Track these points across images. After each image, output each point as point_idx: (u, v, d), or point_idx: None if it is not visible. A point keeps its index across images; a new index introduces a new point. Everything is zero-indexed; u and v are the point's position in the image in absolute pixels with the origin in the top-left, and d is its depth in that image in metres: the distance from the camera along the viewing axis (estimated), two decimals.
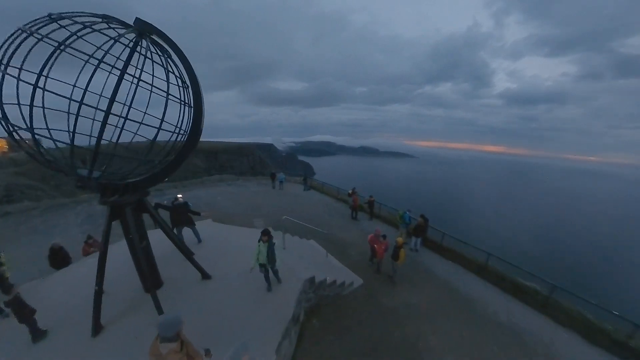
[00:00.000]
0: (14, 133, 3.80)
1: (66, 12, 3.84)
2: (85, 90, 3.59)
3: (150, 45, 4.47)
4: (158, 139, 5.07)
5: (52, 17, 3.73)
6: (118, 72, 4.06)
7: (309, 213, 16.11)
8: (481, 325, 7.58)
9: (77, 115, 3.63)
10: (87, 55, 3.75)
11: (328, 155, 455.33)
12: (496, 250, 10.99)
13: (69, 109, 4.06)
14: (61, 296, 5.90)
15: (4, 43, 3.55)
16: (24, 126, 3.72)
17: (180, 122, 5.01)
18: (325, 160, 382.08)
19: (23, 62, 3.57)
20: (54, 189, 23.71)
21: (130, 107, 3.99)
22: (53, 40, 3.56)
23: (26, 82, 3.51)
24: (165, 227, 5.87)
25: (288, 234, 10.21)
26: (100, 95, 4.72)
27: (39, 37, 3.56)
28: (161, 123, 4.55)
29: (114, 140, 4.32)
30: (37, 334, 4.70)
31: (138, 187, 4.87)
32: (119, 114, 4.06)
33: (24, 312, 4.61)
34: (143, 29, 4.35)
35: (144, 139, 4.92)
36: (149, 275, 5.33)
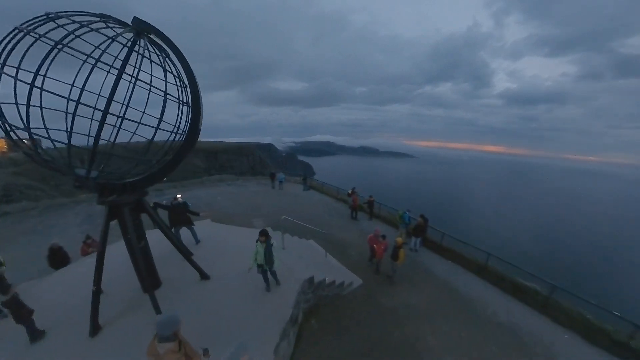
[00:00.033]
0: (12, 132, 3.79)
1: (63, 11, 3.82)
2: (82, 89, 3.57)
3: (148, 45, 4.46)
4: (157, 138, 5.07)
5: (49, 16, 3.71)
6: (116, 72, 4.04)
7: (308, 213, 16.09)
8: (481, 326, 7.56)
9: (74, 114, 3.61)
10: (85, 54, 3.75)
11: (328, 155, 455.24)
12: (496, 250, 10.97)
13: (66, 109, 4.04)
14: (59, 296, 5.88)
15: (0, 42, 3.54)
16: (22, 126, 3.71)
17: (178, 121, 5.00)
18: (325, 160, 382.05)
19: (20, 61, 3.56)
20: (53, 189, 23.70)
21: (127, 106, 3.97)
22: (50, 39, 3.55)
23: (23, 82, 3.50)
24: (163, 227, 5.86)
25: (287, 234, 10.19)
26: (99, 95, 4.71)
27: (36, 36, 3.54)
28: (159, 123, 4.54)
29: (109, 139, 4.31)
30: (35, 334, 4.68)
31: (136, 187, 4.86)
32: (117, 114, 4.05)
33: (21, 313, 4.59)
34: (141, 28, 4.33)
35: (143, 139, 4.92)
36: (147, 276, 5.31)
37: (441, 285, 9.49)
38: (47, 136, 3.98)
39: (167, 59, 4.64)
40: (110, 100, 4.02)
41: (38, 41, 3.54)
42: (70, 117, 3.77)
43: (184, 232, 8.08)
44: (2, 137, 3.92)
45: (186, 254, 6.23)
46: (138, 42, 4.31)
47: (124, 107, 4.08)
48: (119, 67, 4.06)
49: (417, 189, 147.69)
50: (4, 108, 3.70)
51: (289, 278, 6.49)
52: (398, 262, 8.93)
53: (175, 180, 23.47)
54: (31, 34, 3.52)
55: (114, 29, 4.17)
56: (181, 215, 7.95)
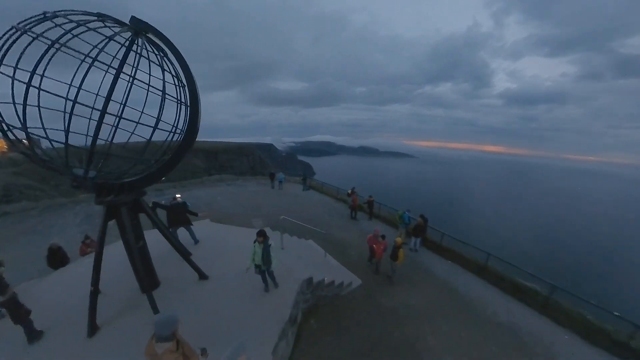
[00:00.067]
0: (9, 132, 3.77)
1: (61, 10, 3.80)
2: (79, 88, 3.56)
3: (146, 44, 4.44)
4: (156, 138, 5.05)
5: (46, 15, 3.70)
6: (114, 72, 4.03)
7: (308, 213, 16.08)
8: (481, 326, 7.55)
9: (71, 114, 3.60)
10: (83, 54, 3.73)
11: (328, 155, 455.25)
12: (496, 250, 10.95)
13: (64, 108, 4.02)
14: (58, 296, 5.87)
15: None
16: (19, 125, 3.70)
17: (176, 121, 4.98)
18: (325, 160, 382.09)
19: (18, 60, 3.54)
20: (53, 189, 23.69)
21: (124, 105, 3.95)
22: (47, 38, 3.53)
23: (20, 81, 3.49)
24: (161, 227, 5.84)
25: (287, 234, 10.17)
26: (97, 95, 4.70)
27: (34, 35, 3.53)
28: (157, 122, 4.52)
29: (109, 139, 4.30)
30: (33, 335, 4.66)
31: (134, 186, 4.84)
32: (115, 114, 4.04)
33: (19, 313, 4.57)
34: (139, 28, 4.31)
35: (143, 139, 4.90)
36: (145, 276, 5.29)
37: (441, 285, 9.48)
38: (45, 136, 3.97)
39: (165, 58, 4.62)
40: (108, 99, 4.00)
41: (37, 41, 3.53)
42: (67, 116, 3.76)
43: (183, 232, 8.06)
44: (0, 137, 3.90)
45: (185, 254, 6.21)
46: (136, 42, 4.29)
47: (122, 106, 4.06)
48: (117, 67, 4.05)
49: (417, 189, 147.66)
50: (2, 108, 3.69)
51: (287, 278, 6.47)
52: (397, 262, 8.91)
53: (175, 180, 23.45)
54: (28, 33, 3.50)
55: (111, 28, 4.16)
56: (180, 215, 7.93)
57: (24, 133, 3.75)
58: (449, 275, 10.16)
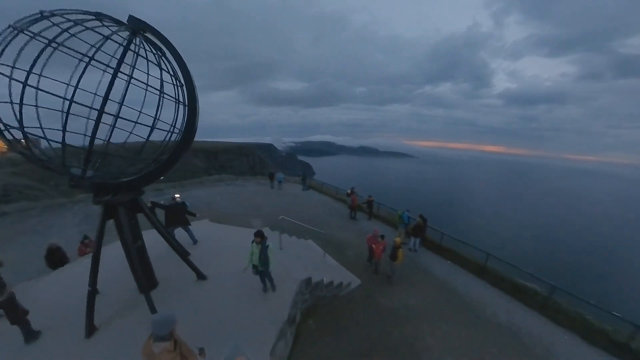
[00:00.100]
0: (6, 132, 3.75)
1: (58, 10, 3.79)
2: (76, 88, 3.55)
3: (144, 43, 4.43)
4: (155, 138, 5.04)
5: (43, 14, 3.68)
6: (112, 71, 4.01)
7: (307, 213, 16.07)
8: (480, 326, 7.53)
9: (68, 113, 3.59)
10: (81, 53, 3.72)
11: (328, 155, 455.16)
12: (496, 251, 10.95)
13: (62, 108, 4.01)
14: (56, 296, 5.85)
15: None
16: (17, 125, 3.68)
17: (175, 120, 4.97)
18: (325, 160, 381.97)
19: (15, 60, 3.52)
20: (52, 189, 23.66)
21: (121, 104, 3.93)
22: (44, 37, 3.52)
23: (17, 80, 3.47)
24: (159, 228, 5.82)
25: (285, 234, 10.15)
26: (95, 94, 4.69)
27: (31, 34, 3.51)
28: (155, 122, 4.51)
29: (110, 139, 4.28)
30: (30, 335, 4.64)
31: (132, 186, 4.82)
32: (113, 113, 4.02)
33: (17, 313, 4.55)
34: (137, 27, 4.30)
35: (142, 139, 4.89)
36: (143, 276, 5.27)
37: (440, 285, 9.47)
38: (42, 135, 3.95)
39: (163, 58, 4.61)
40: (105, 99, 3.99)
41: (36, 40, 3.51)
42: (64, 116, 3.75)
43: (182, 233, 8.04)
44: None
45: (183, 254, 6.19)
46: (134, 41, 4.27)
47: (119, 106, 4.04)
48: (114, 67, 4.03)
49: (416, 189, 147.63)
50: (0, 107, 3.67)
51: (286, 278, 6.45)
52: (397, 262, 8.90)
53: (174, 180, 23.43)
54: (25, 32, 3.48)
55: (109, 27, 4.14)
56: (179, 215, 7.91)
57: (21, 133, 3.74)
58: (449, 276, 10.15)
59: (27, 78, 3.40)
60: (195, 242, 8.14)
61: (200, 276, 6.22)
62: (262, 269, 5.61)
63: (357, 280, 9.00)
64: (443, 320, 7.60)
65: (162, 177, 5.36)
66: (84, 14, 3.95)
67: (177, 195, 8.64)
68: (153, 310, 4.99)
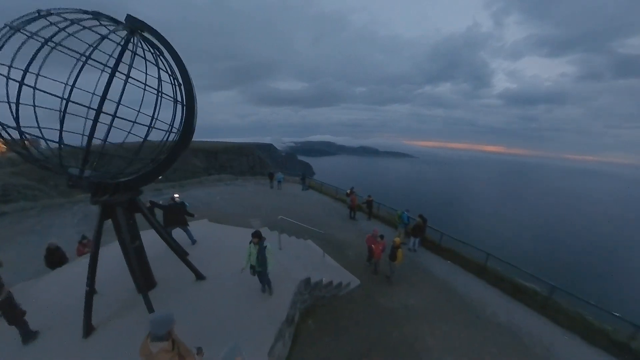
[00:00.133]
0: (3, 131, 3.73)
1: (55, 9, 3.77)
2: (72, 87, 3.53)
3: (142, 43, 4.41)
4: (153, 138, 5.02)
5: (40, 13, 3.66)
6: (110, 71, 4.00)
7: (307, 213, 16.05)
8: (480, 326, 7.52)
9: (64, 112, 3.57)
10: (78, 53, 3.70)
11: (328, 155, 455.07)
12: (496, 251, 10.94)
13: (60, 108, 3.99)
14: (54, 296, 5.83)
15: None
16: (14, 125, 3.66)
17: (173, 120, 4.95)
18: (325, 160, 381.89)
19: (12, 59, 3.51)
20: (51, 189, 23.63)
21: (118, 104, 3.91)
22: (40, 37, 3.50)
23: (13, 80, 3.45)
24: (158, 228, 5.80)
25: (285, 234, 10.14)
26: (93, 94, 4.67)
27: (28, 34, 3.49)
28: (153, 121, 4.50)
29: (108, 139, 4.26)
30: (28, 336, 4.62)
31: (130, 186, 4.80)
32: (111, 113, 4.00)
33: (14, 313, 4.52)
34: (134, 26, 4.28)
35: (140, 138, 4.87)
36: (141, 276, 5.25)
37: (440, 285, 9.45)
38: (40, 135, 3.93)
39: (160, 57, 4.59)
40: (103, 99, 3.97)
41: (34, 40, 3.49)
42: (65, 116, 3.73)
43: (180, 233, 8.02)
44: None
45: (181, 254, 6.17)
46: (132, 41, 4.26)
47: (117, 105, 4.02)
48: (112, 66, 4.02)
49: (416, 189, 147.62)
50: None
51: (285, 278, 6.44)
52: (396, 263, 8.88)
53: (174, 180, 23.41)
54: (21, 31, 3.46)
55: (107, 26, 4.12)
56: (178, 215, 7.90)
57: (17, 132, 3.72)
58: (448, 276, 10.13)
59: (23, 77, 3.38)
60: (194, 242, 8.12)
61: (199, 276, 6.20)
62: (259, 270, 5.57)
63: (356, 281, 8.98)
64: (443, 320, 7.59)
65: (160, 177, 5.34)
66: (81, 13, 3.93)
67: (176, 195, 8.63)
68: (151, 310, 4.97)
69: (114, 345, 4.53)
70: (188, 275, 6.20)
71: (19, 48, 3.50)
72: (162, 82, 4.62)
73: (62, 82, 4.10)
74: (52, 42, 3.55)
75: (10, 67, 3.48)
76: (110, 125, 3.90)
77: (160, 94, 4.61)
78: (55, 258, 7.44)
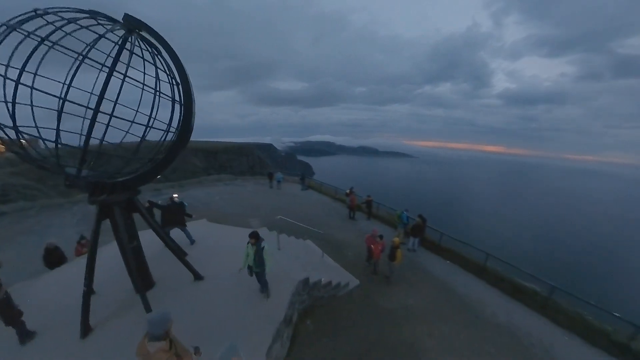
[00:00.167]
0: (0, 131, 3.71)
1: (52, 7, 3.75)
2: (69, 86, 3.51)
3: (140, 42, 4.39)
4: (151, 137, 5.00)
5: (37, 12, 3.64)
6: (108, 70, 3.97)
7: (306, 213, 16.03)
8: (479, 327, 7.50)
9: (61, 112, 3.55)
10: (76, 52, 3.68)
11: (328, 155, 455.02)
12: (495, 251, 10.92)
13: (57, 107, 3.98)
14: (52, 296, 5.82)
15: None
16: (10, 124, 3.64)
17: (171, 119, 4.94)
18: (324, 160, 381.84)
19: (10, 59, 3.49)
20: (50, 189, 23.60)
21: (116, 103, 3.89)
22: (37, 36, 3.48)
23: (10, 79, 3.43)
24: (156, 228, 5.78)
25: (284, 234, 10.12)
26: (91, 93, 4.66)
27: (25, 33, 3.47)
28: (150, 121, 4.48)
29: (106, 139, 4.25)
30: (25, 336, 4.60)
31: (127, 186, 4.78)
32: (109, 112, 3.98)
33: (12, 314, 4.50)
34: (132, 25, 4.26)
35: (138, 138, 4.85)
36: (139, 276, 5.23)
37: (439, 285, 9.43)
38: (37, 135, 3.92)
39: (158, 57, 4.57)
40: (101, 98, 3.95)
41: (31, 39, 3.47)
42: (63, 116, 3.71)
43: (179, 233, 7.99)
44: None
45: (180, 255, 6.15)
46: (130, 40, 4.24)
47: (114, 104, 4.01)
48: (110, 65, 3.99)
49: (416, 189, 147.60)
50: None
51: (284, 278, 6.42)
52: (395, 263, 8.87)
53: (173, 180, 23.38)
54: (18, 30, 3.45)
55: (104, 26, 4.10)
56: (177, 215, 7.88)
57: (14, 132, 3.71)
58: (448, 276, 10.11)
59: (19, 76, 3.36)
60: (192, 242, 8.10)
61: (197, 276, 6.18)
62: (257, 271, 5.54)
63: (355, 281, 8.96)
64: (442, 320, 7.57)
65: (159, 177, 5.32)
66: (78, 12, 3.91)
67: (175, 195, 8.60)
68: (149, 310, 4.95)
69: (111, 346, 4.50)
70: (186, 275, 6.17)
71: (16, 47, 3.49)
72: (160, 81, 4.61)
73: (59, 82, 4.09)
74: (49, 41, 3.53)
75: (7, 66, 3.46)
76: (108, 125, 3.88)
77: (158, 93, 4.59)
78: (54, 258, 7.42)
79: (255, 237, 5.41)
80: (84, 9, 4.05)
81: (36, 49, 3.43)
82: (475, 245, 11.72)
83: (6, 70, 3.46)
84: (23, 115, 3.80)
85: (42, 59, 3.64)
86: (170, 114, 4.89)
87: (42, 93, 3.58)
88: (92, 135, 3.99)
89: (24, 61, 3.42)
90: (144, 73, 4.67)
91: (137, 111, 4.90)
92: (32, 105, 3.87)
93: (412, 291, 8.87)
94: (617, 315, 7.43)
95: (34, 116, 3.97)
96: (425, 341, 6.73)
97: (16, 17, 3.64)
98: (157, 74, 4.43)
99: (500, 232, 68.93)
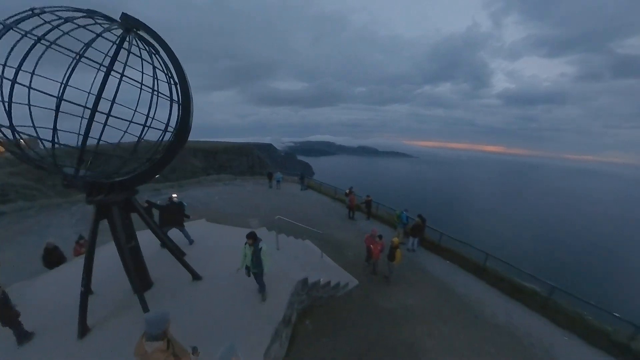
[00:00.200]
0: None
1: (49, 7, 3.73)
2: (65, 85, 3.50)
3: (138, 41, 4.37)
4: (150, 137, 4.98)
5: (34, 11, 3.62)
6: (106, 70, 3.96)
7: (305, 213, 16.02)
8: (479, 327, 7.48)
9: (57, 111, 3.53)
10: (73, 51, 3.66)
11: (327, 155, 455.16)
12: (495, 251, 10.91)
13: (55, 107, 3.96)
14: (51, 297, 5.81)
15: None
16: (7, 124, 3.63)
17: (169, 119, 4.91)
18: (324, 160, 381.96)
19: (7, 58, 3.47)
20: (50, 189, 23.56)
21: (113, 102, 3.87)
22: (34, 35, 3.47)
23: (6, 79, 3.42)
24: (154, 228, 5.76)
25: (283, 234, 10.10)
26: (89, 93, 4.63)
27: (22, 32, 3.46)
28: (148, 120, 4.46)
29: (104, 138, 4.23)
30: (23, 337, 4.58)
31: (125, 185, 4.77)
32: (106, 112, 3.96)
33: (9, 315, 4.48)
34: (129, 25, 4.25)
35: (136, 138, 4.83)
36: (137, 276, 5.21)
37: (439, 285, 9.41)
38: (35, 134, 3.90)
39: (156, 56, 4.55)
40: (98, 97, 3.93)
41: (28, 38, 3.46)
42: (61, 115, 3.69)
43: (178, 232, 7.97)
44: None
45: (178, 255, 6.13)
46: (128, 39, 4.22)
47: (111, 104, 3.99)
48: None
49: (416, 189, 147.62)
50: None
51: (282, 278, 6.40)
52: (395, 263, 8.85)
53: (172, 180, 23.35)
54: (14, 29, 3.43)
55: (102, 25, 4.09)
56: (176, 215, 7.86)
57: (10, 131, 3.69)
58: (447, 276, 10.09)
59: (15, 76, 3.34)
60: (191, 242, 8.09)
61: (196, 276, 6.16)
62: (254, 271, 5.51)
63: (354, 281, 8.93)
64: (441, 320, 7.55)
65: (157, 176, 5.31)
66: (75, 11, 3.89)
67: (174, 195, 8.59)
68: (146, 310, 4.93)
69: (109, 346, 4.49)
70: (185, 275, 6.16)
71: (13, 46, 3.47)
72: (158, 80, 4.60)
73: (57, 81, 4.07)
74: (46, 40, 3.52)
75: (4, 65, 3.45)
76: (105, 124, 3.86)
77: (156, 92, 4.57)
78: (53, 258, 7.41)
79: (252, 238, 5.37)
80: (82, 8, 4.04)
81: (33, 48, 3.41)
82: (474, 245, 11.70)
83: (3, 70, 3.45)
84: (21, 115, 3.79)
85: (40, 58, 3.62)
86: (168, 114, 4.88)
87: (39, 92, 3.58)
88: (89, 135, 3.98)
89: (20, 60, 3.40)
90: (142, 72, 4.65)
91: (135, 111, 4.88)
92: (29, 105, 3.87)
93: (411, 291, 8.85)
94: (617, 315, 7.41)
95: (31, 116, 3.94)
96: (425, 341, 6.71)
97: (13, 16, 3.62)
98: (154, 73, 4.42)
99: (500, 232, 68.94)
